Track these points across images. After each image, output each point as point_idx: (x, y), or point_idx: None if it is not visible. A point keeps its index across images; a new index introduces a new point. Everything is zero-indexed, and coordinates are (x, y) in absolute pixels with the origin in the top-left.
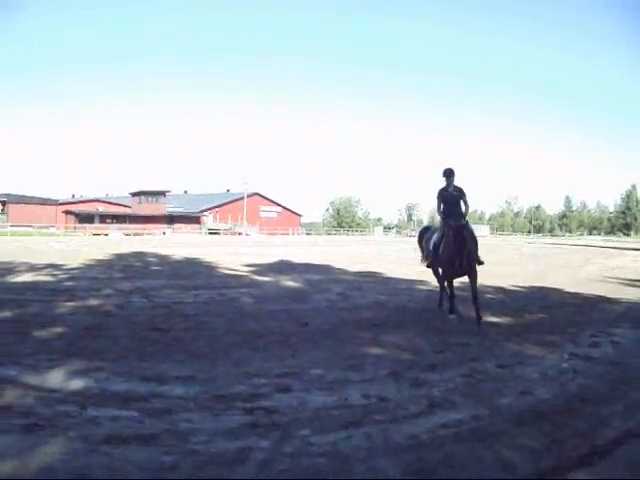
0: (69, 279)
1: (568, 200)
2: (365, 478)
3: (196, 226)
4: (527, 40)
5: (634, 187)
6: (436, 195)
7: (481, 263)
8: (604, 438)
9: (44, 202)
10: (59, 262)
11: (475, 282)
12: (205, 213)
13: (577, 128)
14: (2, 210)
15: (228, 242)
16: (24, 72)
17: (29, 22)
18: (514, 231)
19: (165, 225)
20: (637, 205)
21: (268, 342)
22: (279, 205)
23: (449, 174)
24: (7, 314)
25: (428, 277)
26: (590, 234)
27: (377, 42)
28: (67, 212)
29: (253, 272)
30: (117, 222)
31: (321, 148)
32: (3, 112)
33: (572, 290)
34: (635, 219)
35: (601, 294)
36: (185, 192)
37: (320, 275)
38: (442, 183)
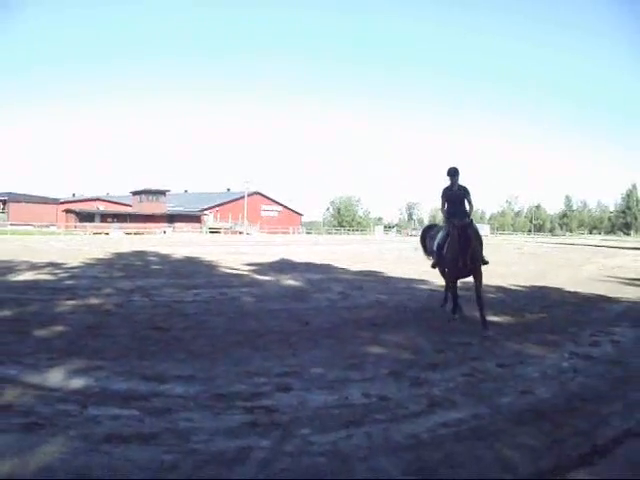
0: (69, 278)
1: (568, 199)
2: (365, 478)
3: (197, 225)
4: (527, 40)
5: (634, 187)
6: (440, 194)
7: (486, 263)
8: (604, 437)
9: (45, 201)
10: (59, 261)
11: (480, 282)
12: (206, 212)
13: (577, 128)
14: (3, 209)
15: (229, 241)
16: (24, 72)
17: (29, 22)
18: (514, 230)
19: (166, 224)
20: (637, 205)
21: (268, 341)
22: (280, 204)
23: (453, 173)
24: (7, 313)
25: (429, 276)
26: (590, 233)
27: (377, 42)
28: (68, 211)
29: (254, 271)
30: (118, 221)
31: (321, 147)
32: (3, 112)
33: (572, 289)
34: (635, 219)
35: (601, 293)
36: (186, 191)
37: (321, 274)
38: (446, 182)
